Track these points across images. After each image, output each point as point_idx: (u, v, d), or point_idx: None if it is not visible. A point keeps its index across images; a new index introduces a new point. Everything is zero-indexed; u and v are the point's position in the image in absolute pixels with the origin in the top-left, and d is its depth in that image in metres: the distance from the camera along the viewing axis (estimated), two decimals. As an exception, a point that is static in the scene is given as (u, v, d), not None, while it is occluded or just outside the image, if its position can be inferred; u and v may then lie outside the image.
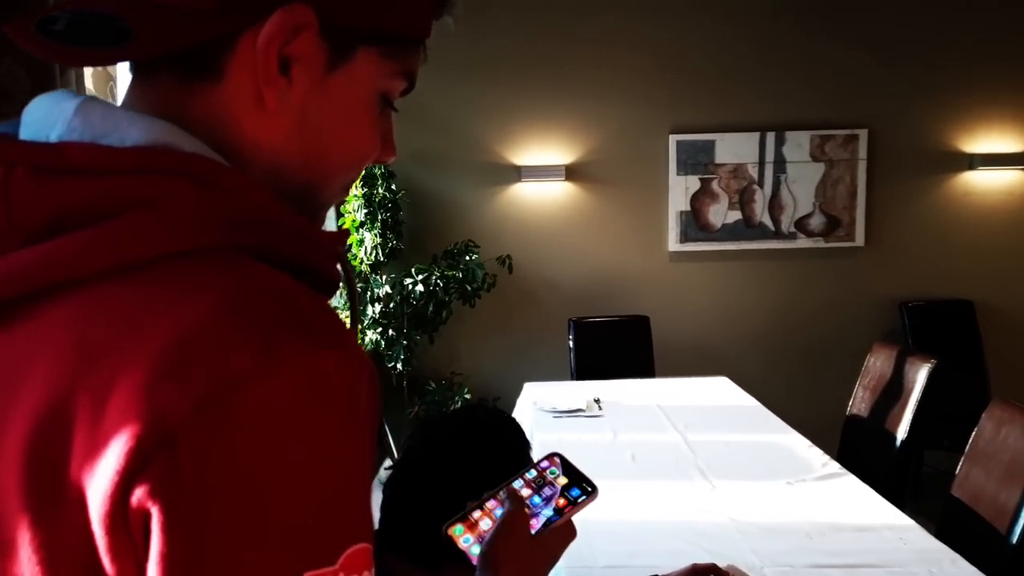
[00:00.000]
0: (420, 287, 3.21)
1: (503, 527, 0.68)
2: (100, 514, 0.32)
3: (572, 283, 3.71)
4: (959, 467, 1.87)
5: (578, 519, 1.75)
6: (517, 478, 0.73)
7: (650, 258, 3.74)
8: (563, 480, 0.74)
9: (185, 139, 0.40)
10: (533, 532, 0.70)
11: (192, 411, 0.32)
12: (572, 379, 3.29)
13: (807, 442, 2.20)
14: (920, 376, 2.29)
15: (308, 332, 0.35)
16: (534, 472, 0.76)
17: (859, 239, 3.73)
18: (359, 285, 3.29)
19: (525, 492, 0.73)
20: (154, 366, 0.33)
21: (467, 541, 0.69)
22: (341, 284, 0.46)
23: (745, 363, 3.63)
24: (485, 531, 0.69)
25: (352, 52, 0.43)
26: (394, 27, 0.44)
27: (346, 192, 0.49)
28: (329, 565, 0.33)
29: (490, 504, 0.71)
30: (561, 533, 0.73)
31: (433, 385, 3.50)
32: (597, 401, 2.69)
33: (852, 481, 1.88)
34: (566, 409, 2.64)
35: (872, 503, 1.75)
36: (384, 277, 3.28)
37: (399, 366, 3.27)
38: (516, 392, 2.89)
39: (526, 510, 0.71)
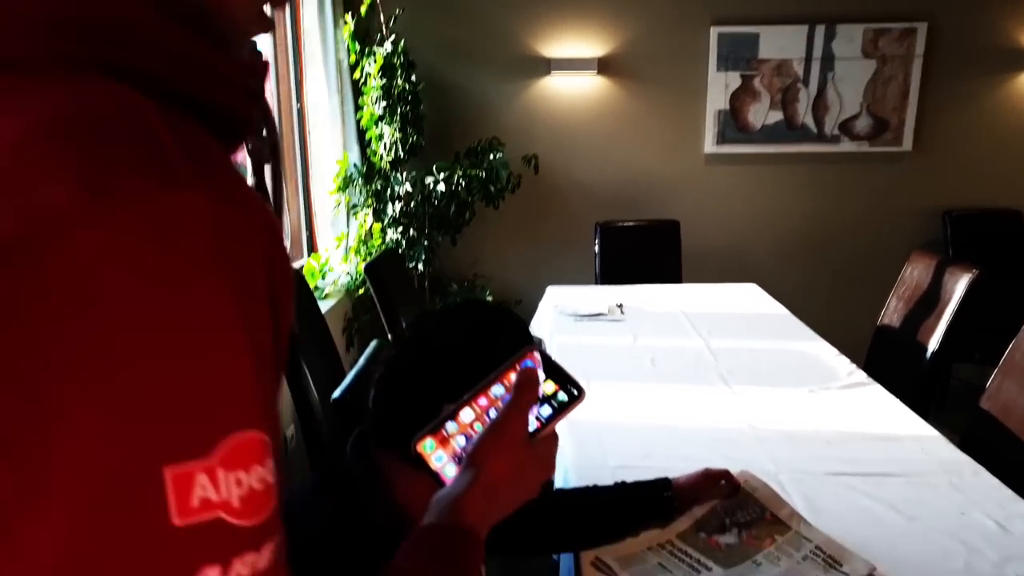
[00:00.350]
0: (442, 186, 3.13)
1: (497, 425, 0.58)
2: None
3: (601, 185, 3.60)
4: (991, 380, 1.80)
5: (591, 419, 1.72)
6: (495, 381, 0.62)
7: (684, 160, 3.59)
8: (546, 381, 0.64)
9: None
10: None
11: None
12: (596, 284, 3.24)
13: (834, 351, 2.14)
14: (959, 287, 2.19)
15: (162, 167, 0.27)
16: (509, 374, 0.64)
17: (907, 143, 3.52)
18: (378, 183, 3.22)
19: (498, 392, 0.62)
20: None
21: (440, 460, 0.60)
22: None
23: (777, 271, 3.54)
24: (460, 450, 0.60)
25: None
26: None
27: (265, 22, 0.37)
28: (199, 457, 0.26)
29: (465, 415, 0.61)
30: (549, 441, 0.63)
31: (455, 286, 3.48)
32: (620, 306, 2.65)
33: (877, 391, 1.83)
34: (587, 313, 2.60)
35: (896, 413, 1.70)
36: (404, 175, 3.20)
37: (420, 267, 3.24)
38: (539, 295, 2.85)
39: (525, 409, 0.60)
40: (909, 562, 1.12)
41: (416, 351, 0.80)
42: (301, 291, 1.98)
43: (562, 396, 0.63)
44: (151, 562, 0.26)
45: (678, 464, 1.46)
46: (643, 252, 3.35)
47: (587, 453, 1.51)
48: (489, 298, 3.45)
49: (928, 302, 2.32)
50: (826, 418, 1.68)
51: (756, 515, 1.20)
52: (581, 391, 0.64)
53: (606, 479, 1.22)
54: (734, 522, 1.19)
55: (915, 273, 2.44)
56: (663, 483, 1.20)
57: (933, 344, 2.20)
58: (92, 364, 0.25)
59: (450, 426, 0.60)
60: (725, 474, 1.22)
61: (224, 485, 0.27)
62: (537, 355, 0.64)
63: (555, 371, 0.64)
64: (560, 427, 0.64)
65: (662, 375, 1.99)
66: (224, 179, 0.29)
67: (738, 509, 1.21)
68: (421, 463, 0.59)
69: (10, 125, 0.26)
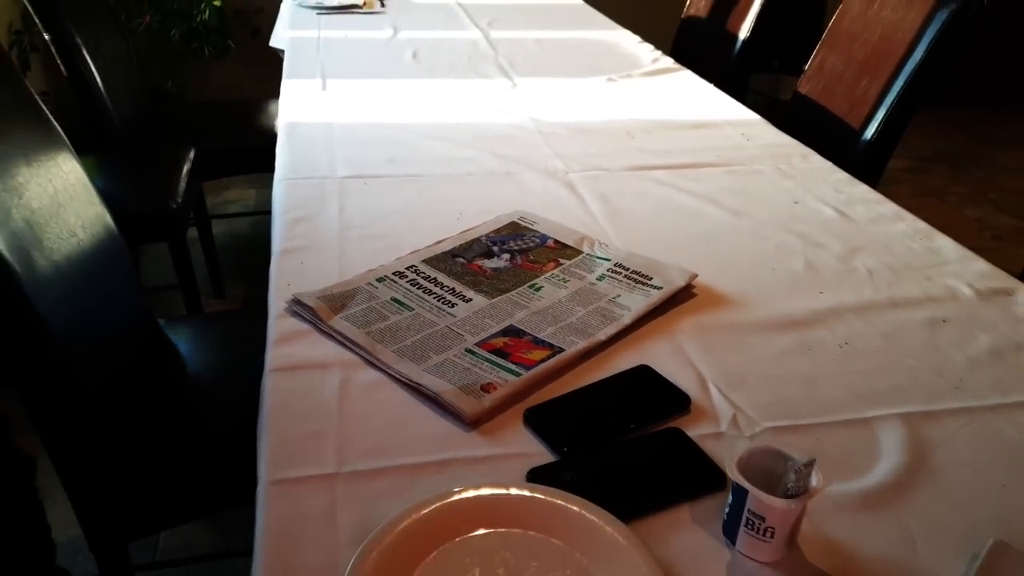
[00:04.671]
0: None
1: None
2: None
3: None
4: (810, 60, 1.51)
5: (314, 122, 1.19)
6: None
7: None
8: None
9: None
10: None
11: None
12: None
13: (636, 38, 1.74)
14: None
15: None
16: None
17: None
18: None
19: None
20: None
21: None
22: None
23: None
24: None
25: None
26: None
27: None
28: None
29: None
30: None
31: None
32: (379, -3, 2.03)
33: (687, 76, 1.48)
34: (336, 4, 1.96)
35: (710, 97, 1.37)
36: None
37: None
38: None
39: None
40: (739, 265, 0.81)
41: None
42: None
43: None
44: None
45: (434, 168, 1.03)
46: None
47: (307, 161, 1.02)
48: (217, 3, 2.60)
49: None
50: (627, 108, 1.30)
51: (534, 243, 0.83)
52: None
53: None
54: (505, 249, 0.82)
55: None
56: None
57: (744, 33, 1.87)
58: None
59: None
60: None
61: None
62: None
63: None
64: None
65: (426, 70, 1.49)
66: None
67: (511, 240, 0.83)
68: None
69: None
